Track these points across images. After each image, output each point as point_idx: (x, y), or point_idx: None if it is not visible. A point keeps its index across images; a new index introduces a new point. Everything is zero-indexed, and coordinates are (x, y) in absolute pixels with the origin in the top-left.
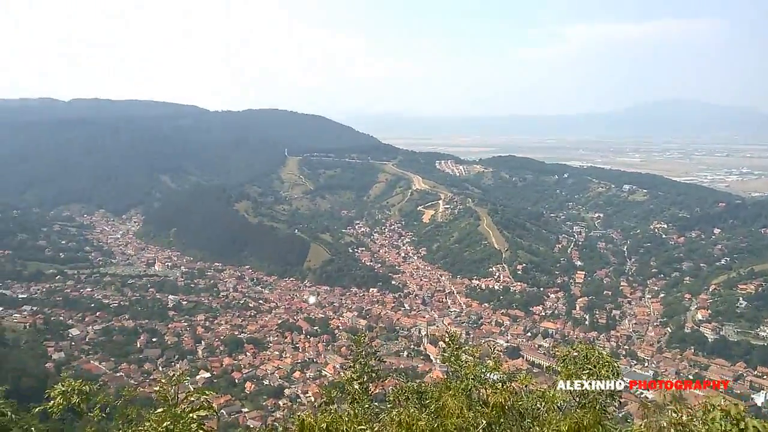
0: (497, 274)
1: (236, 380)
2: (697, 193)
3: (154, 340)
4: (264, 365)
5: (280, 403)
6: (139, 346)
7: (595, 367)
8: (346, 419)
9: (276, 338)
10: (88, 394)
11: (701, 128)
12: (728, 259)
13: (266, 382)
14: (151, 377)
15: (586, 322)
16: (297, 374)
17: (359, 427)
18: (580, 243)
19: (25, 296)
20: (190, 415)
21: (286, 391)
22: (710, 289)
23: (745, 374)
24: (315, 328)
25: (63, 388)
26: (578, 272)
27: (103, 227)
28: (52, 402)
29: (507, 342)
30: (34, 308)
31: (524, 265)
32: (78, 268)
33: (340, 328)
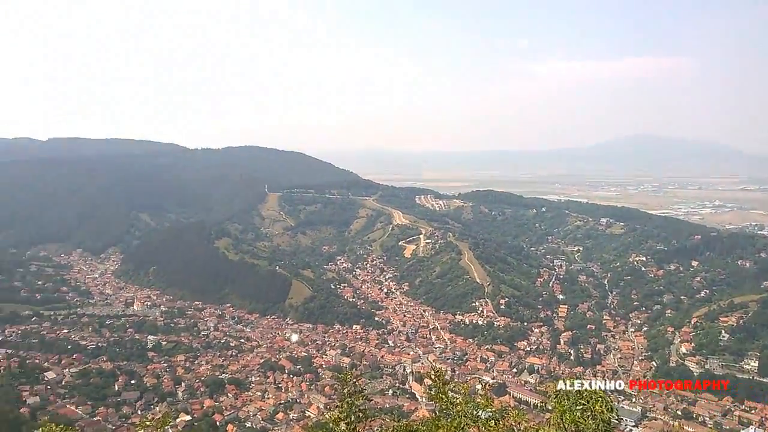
0: (480, 308)
1: (218, 423)
2: (673, 225)
3: (132, 382)
4: (246, 407)
5: None
6: (117, 388)
7: (588, 402)
8: None
9: (258, 378)
10: None
11: (668, 161)
12: (708, 291)
13: (248, 424)
14: (129, 421)
15: (571, 357)
16: (280, 415)
17: None
18: (561, 276)
19: None
20: None
21: None
22: (692, 322)
23: (732, 409)
24: (298, 367)
25: None
26: (561, 306)
27: (80, 267)
28: None
29: (493, 378)
30: (9, 351)
31: (507, 299)
32: (54, 309)
33: (324, 366)
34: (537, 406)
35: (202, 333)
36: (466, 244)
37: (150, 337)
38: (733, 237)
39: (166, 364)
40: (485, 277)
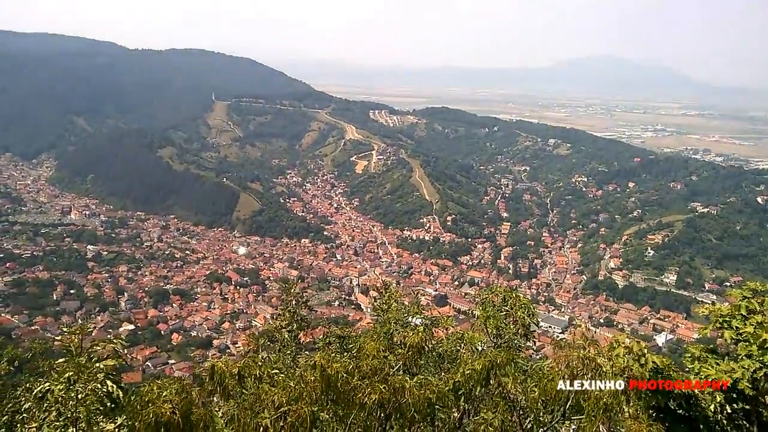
0: (428, 225)
1: (162, 332)
2: (616, 148)
3: (72, 292)
4: (191, 316)
5: (209, 353)
6: (55, 298)
7: (511, 309)
8: (260, 364)
9: (204, 289)
10: None
11: (622, 85)
12: (640, 211)
13: (194, 333)
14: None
15: (510, 271)
16: (226, 325)
17: (272, 371)
18: (507, 195)
19: None
20: (97, 365)
21: (215, 342)
22: (623, 240)
23: (649, 317)
24: (245, 279)
25: None
26: (504, 224)
27: (10, 172)
28: None
29: (436, 290)
30: None
31: (454, 216)
32: None
33: (271, 278)
34: (466, 313)
35: (146, 244)
36: (417, 161)
37: (90, 247)
38: (669, 160)
39: (107, 275)
40: (434, 194)
